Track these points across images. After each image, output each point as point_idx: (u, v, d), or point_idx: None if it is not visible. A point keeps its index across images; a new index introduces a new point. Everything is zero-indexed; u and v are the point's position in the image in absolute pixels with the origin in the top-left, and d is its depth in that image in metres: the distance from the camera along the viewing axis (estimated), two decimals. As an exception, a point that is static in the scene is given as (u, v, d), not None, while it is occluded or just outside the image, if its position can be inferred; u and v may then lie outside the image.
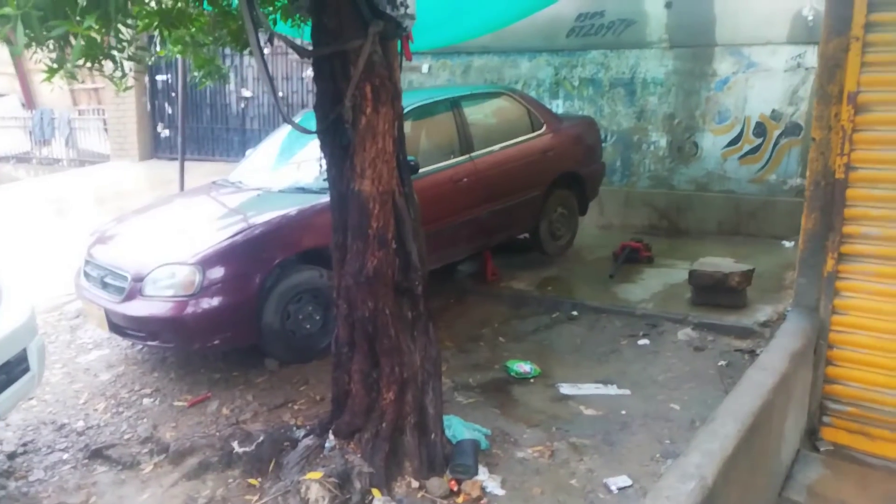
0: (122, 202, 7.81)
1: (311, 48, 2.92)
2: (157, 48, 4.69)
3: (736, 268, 5.09)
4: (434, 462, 3.08)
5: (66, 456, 3.64)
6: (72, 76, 4.06)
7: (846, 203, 3.23)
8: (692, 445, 2.23)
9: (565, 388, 4.10)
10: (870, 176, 3.17)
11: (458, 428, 3.38)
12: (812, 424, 3.45)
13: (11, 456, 3.67)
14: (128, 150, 11.62)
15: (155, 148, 11.67)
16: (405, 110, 4.99)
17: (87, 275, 4.52)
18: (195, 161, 10.26)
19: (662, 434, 3.57)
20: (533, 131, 5.93)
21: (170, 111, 11.24)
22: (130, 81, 4.20)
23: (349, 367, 3.06)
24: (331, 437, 3.08)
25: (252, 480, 3.16)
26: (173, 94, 10.98)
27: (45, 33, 2.25)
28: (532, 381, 4.23)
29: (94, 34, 3.90)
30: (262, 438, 3.33)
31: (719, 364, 4.35)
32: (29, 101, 13.14)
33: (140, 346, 4.73)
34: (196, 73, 4.78)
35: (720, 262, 5.24)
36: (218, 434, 3.64)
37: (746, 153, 7.12)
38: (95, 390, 4.35)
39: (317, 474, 2.84)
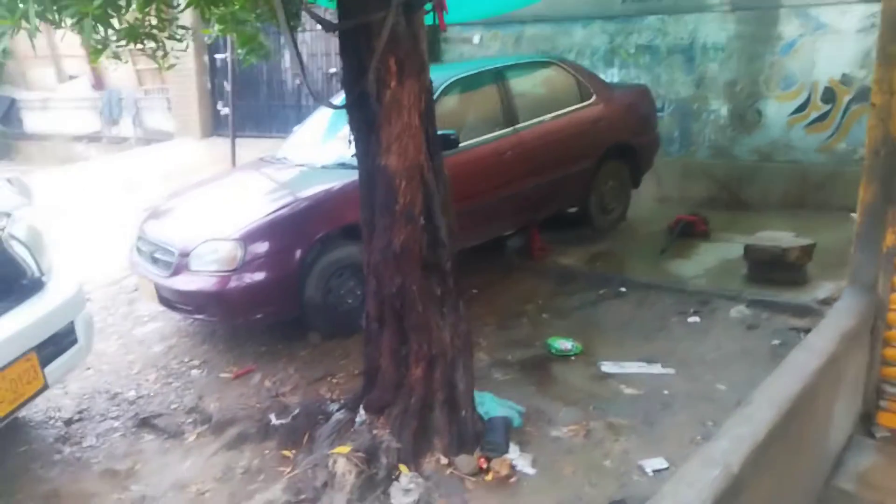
0: (181, 179, 8.03)
1: (335, 21, 2.88)
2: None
3: (795, 242, 4.84)
4: (464, 439, 3.06)
5: (116, 424, 3.80)
6: (116, 56, 4.18)
7: (908, 173, 2.99)
8: (722, 430, 2.12)
9: (607, 367, 4.00)
10: (935, 143, 2.92)
11: (491, 405, 3.35)
12: (868, 409, 3.26)
13: (68, 422, 3.85)
14: (190, 128, 11.93)
15: (215, 125, 11.93)
16: (446, 83, 5.00)
17: (139, 250, 4.67)
18: (252, 138, 10.46)
19: (705, 415, 3.44)
20: (582, 101, 5.76)
21: (229, 89, 11.45)
22: (172, 60, 4.28)
23: (379, 343, 3.06)
24: (362, 411, 3.10)
25: (286, 452, 3.23)
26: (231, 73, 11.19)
27: (56, 12, 2.27)
28: (573, 358, 4.15)
29: (138, 16, 4.01)
30: (297, 411, 3.39)
31: (773, 343, 4.15)
32: (98, 83, 13.60)
33: (190, 320, 4.87)
34: (240, 51, 4.83)
35: (779, 237, 4.99)
36: (258, 406, 3.73)
37: (814, 121, 6.72)
38: (148, 361, 4.52)
39: (345, 448, 2.86)
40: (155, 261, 4.45)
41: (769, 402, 2.26)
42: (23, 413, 3.87)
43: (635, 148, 6.11)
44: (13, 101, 14.99)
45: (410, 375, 2.99)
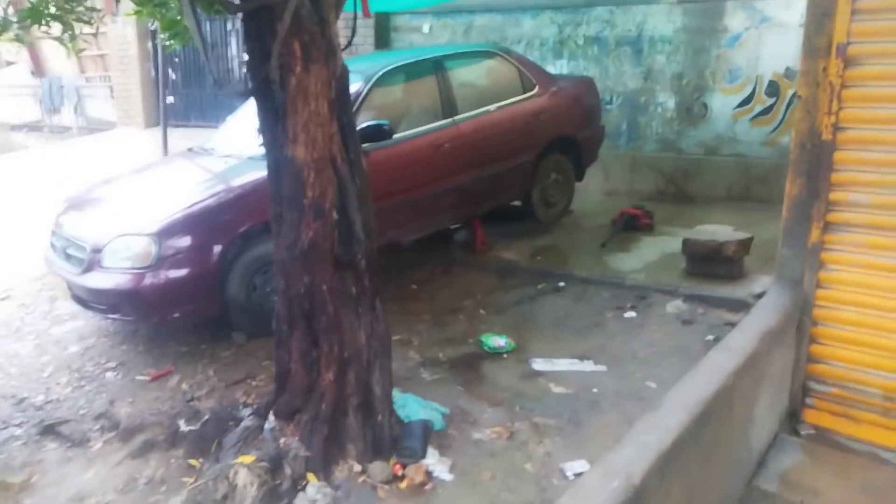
0: (115, 170, 7.72)
1: (237, 3, 2.70)
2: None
3: (733, 236, 4.80)
4: (380, 445, 2.93)
5: (18, 432, 3.57)
6: (20, 40, 3.93)
7: (833, 167, 2.94)
8: (626, 437, 2.02)
9: (538, 364, 3.90)
10: (860, 137, 2.88)
11: (414, 407, 3.22)
12: (794, 406, 3.22)
13: (-34, 431, 3.61)
14: (133, 118, 11.54)
15: (160, 115, 11.55)
16: (381, 71, 4.83)
17: (52, 245, 4.42)
18: (197, 128, 10.14)
19: (633, 414, 3.34)
20: (524, 93, 5.64)
21: (174, 77, 11.09)
22: (82, 44, 4.04)
23: (289, 346, 2.90)
24: (271, 418, 2.93)
25: (193, 461, 3.05)
26: (177, 60, 10.83)
27: None
28: (505, 356, 4.04)
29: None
30: (207, 417, 3.22)
31: (706, 339, 4.10)
32: (38, 69, 13.09)
33: (111, 319, 4.63)
34: (162, 36, 4.60)
35: (717, 230, 4.94)
36: (170, 411, 3.53)
37: (758, 114, 6.72)
38: (62, 363, 4.28)
39: (248, 458, 2.70)
40: (68, 257, 4.21)
41: (680, 405, 2.17)
42: (-84, 421, 3.63)
43: (579, 141, 6.02)
44: (-53, 88, 14.32)
45: (321, 380, 2.84)
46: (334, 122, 2.80)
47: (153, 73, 11.28)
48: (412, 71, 5.15)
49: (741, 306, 4.38)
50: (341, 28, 8.90)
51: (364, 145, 4.42)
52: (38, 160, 10.64)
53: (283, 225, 2.78)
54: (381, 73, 4.82)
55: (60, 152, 10.87)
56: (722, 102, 6.90)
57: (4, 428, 3.63)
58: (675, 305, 4.57)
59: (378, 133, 4.44)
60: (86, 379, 4.07)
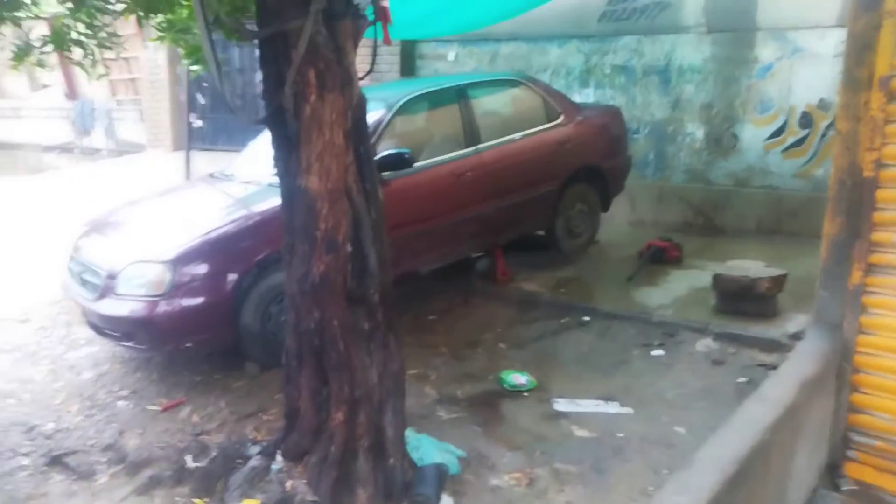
0: (138, 194, 7.74)
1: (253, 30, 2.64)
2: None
3: (766, 272, 4.61)
4: (392, 490, 2.79)
5: (26, 462, 3.49)
6: (40, 63, 3.93)
7: (876, 206, 2.77)
8: (655, 501, 1.86)
9: (560, 405, 3.73)
10: (905, 174, 2.70)
11: (428, 449, 3.07)
12: (833, 459, 3.01)
13: (-26, 459, 3.54)
14: (162, 141, 11.67)
15: (191, 138, 11.66)
16: (403, 100, 4.76)
17: (70, 270, 4.38)
18: (224, 152, 10.19)
19: (660, 462, 3.18)
20: (548, 122, 5.53)
21: (203, 101, 11.20)
22: (102, 69, 4.03)
23: (298, 383, 2.79)
24: (279, 458, 2.81)
25: (198, 501, 2.93)
26: (205, 85, 10.94)
27: None
28: (526, 394, 3.88)
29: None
30: (215, 454, 3.11)
31: (738, 381, 3.91)
32: (72, 92, 13.34)
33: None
34: (185, 62, 4.59)
35: (749, 266, 4.76)
36: (178, 445, 3.43)
37: (790, 146, 6.53)
38: (74, 390, 4.22)
39: (253, 502, 2.58)
40: (84, 282, 4.17)
41: (712, 464, 2.01)
42: (-75, 447, 3.58)
43: (604, 170, 5.89)
44: (-16, 110, 14.68)
45: (331, 420, 2.72)
46: (350, 153, 2.71)
47: (182, 97, 11.42)
48: (435, 99, 5.08)
49: (775, 346, 4.19)
50: (364, 55, 8.88)
51: (384, 174, 4.38)
52: (67, 181, 10.77)
53: (295, 257, 2.69)
54: (403, 101, 4.75)
55: (89, 174, 11.00)
56: (753, 133, 6.73)
57: (12, 457, 3.55)
58: (704, 344, 4.39)
59: (399, 161, 4.36)
60: (97, 407, 4.00)
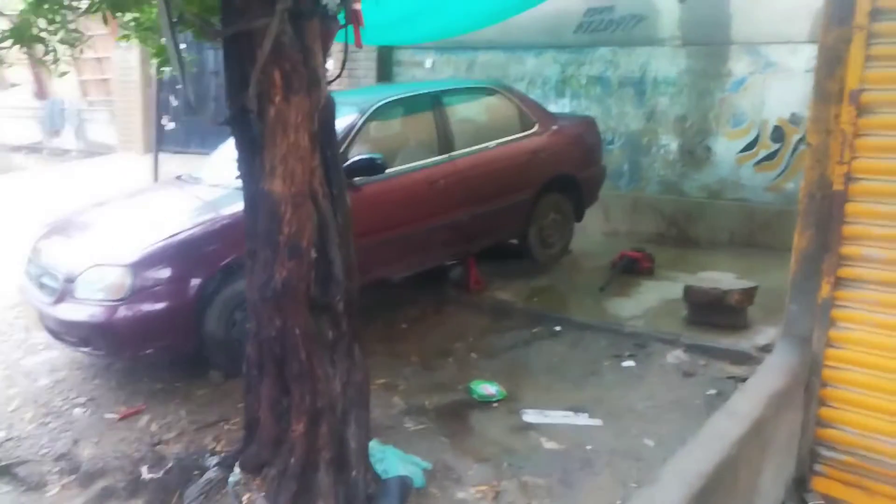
0: (104, 195, 7.58)
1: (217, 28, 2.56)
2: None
3: (737, 284, 4.62)
4: (354, 503, 2.70)
5: (-27, 472, 3.35)
6: (-1, 60, 3.80)
7: (845, 219, 2.76)
8: (618, 516, 1.81)
9: (530, 416, 3.68)
10: (874, 188, 2.70)
11: (393, 462, 2.99)
12: (801, 473, 2.99)
13: (-82, 469, 3.38)
14: (133, 142, 11.46)
15: (161, 141, 11.47)
16: (376, 105, 4.70)
17: (28, 273, 4.24)
18: (196, 154, 10.02)
19: (629, 475, 3.13)
20: (523, 130, 5.51)
21: (175, 103, 11.03)
22: (64, 67, 3.91)
23: (258, 393, 2.70)
24: (237, 470, 2.72)
25: (151, 514, 2.82)
26: (178, 87, 10.77)
27: None
28: (495, 405, 3.82)
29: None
30: (171, 465, 3.00)
31: (708, 393, 3.89)
32: (41, 92, 13.06)
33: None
34: (153, 62, 4.49)
35: (720, 278, 4.77)
36: (135, 455, 3.31)
37: (762, 159, 6.58)
38: (29, 397, 4.07)
39: (208, 515, 2.48)
40: (41, 285, 4.03)
41: (679, 479, 1.97)
42: None
43: (578, 180, 5.88)
44: (-50, 108, 14.30)
45: (292, 431, 2.63)
46: (316, 156, 2.64)
47: (153, 98, 11.24)
48: (409, 105, 5.03)
49: (745, 359, 4.19)
50: (342, 61, 8.74)
51: (356, 179, 4.32)
52: (34, 182, 10.53)
53: (257, 263, 2.61)
54: (376, 106, 4.70)
55: (57, 175, 10.76)
56: (726, 146, 6.77)
57: (-41, 467, 3.41)
58: (675, 356, 4.37)
59: (370, 167, 4.30)
60: (52, 415, 3.86)
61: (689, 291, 4.70)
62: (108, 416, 3.81)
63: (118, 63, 11.26)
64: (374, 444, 3.09)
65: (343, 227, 2.76)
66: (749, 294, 4.56)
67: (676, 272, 5.77)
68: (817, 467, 2.97)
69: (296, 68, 2.46)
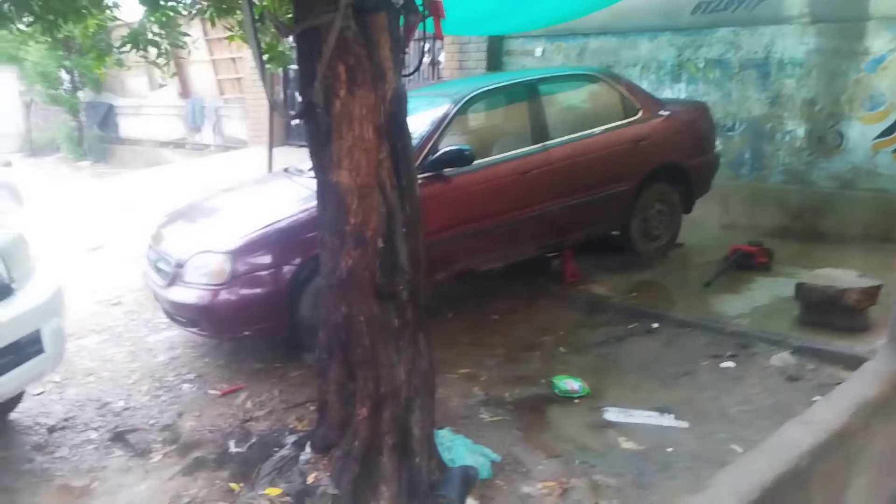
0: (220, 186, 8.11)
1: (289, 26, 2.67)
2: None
3: (857, 282, 4.22)
4: (417, 489, 2.75)
5: (94, 436, 3.72)
6: (120, 63, 4.18)
7: (962, 212, 2.45)
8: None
9: (611, 414, 3.57)
10: None
11: (460, 451, 3.01)
12: (907, 493, 2.69)
13: (51, 430, 3.81)
14: (262, 137, 12.13)
15: (287, 135, 12.13)
16: (468, 96, 4.71)
17: (148, 258, 4.64)
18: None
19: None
20: (626, 118, 5.31)
21: (300, 99, 11.58)
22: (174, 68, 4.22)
23: (327, 376, 2.80)
24: (308, 449, 2.84)
25: (234, 485, 3.01)
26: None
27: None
28: (577, 401, 3.74)
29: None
30: (254, 440, 3.18)
31: (813, 400, 3.58)
32: (185, 91, 14.18)
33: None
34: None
35: (839, 275, 4.37)
36: (226, 429, 3.55)
37: (903, 145, 5.97)
38: (147, 371, 4.46)
39: (275, 490, 2.62)
40: (158, 270, 4.39)
41: (731, 489, 1.84)
42: (13, 416, 3.90)
43: (687, 169, 5.58)
44: (111, 108, 15.89)
45: (356, 415, 2.71)
46: (384, 148, 2.69)
47: (281, 95, 11.88)
48: (503, 94, 5.00)
49: (858, 363, 3.78)
50: (454, 52, 8.83)
51: (445, 170, 4.36)
52: (176, 174, 11.47)
53: (325, 251, 2.71)
54: (469, 96, 4.70)
55: (195, 168, 11.65)
56: (860, 132, 6.19)
57: (84, 430, 3.80)
58: (781, 358, 4.07)
59: (458, 158, 4.32)
60: (164, 388, 4.21)
61: (801, 289, 4.36)
62: (211, 392, 4.10)
63: (249, 62, 11.97)
64: (444, 433, 3.13)
65: (411, 217, 2.80)
66: (870, 293, 4.16)
67: (797, 269, 5.34)
68: (926, 488, 2.67)
69: (360, 62, 2.52)
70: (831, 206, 6.43)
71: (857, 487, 2.36)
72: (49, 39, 3.73)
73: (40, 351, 3.25)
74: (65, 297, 3.62)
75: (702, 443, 3.26)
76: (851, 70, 6.18)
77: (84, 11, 3.61)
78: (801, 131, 6.56)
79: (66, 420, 3.91)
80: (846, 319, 4.19)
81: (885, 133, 6.04)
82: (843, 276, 4.34)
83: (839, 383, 3.69)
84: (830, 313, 4.23)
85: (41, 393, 4.18)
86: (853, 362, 3.85)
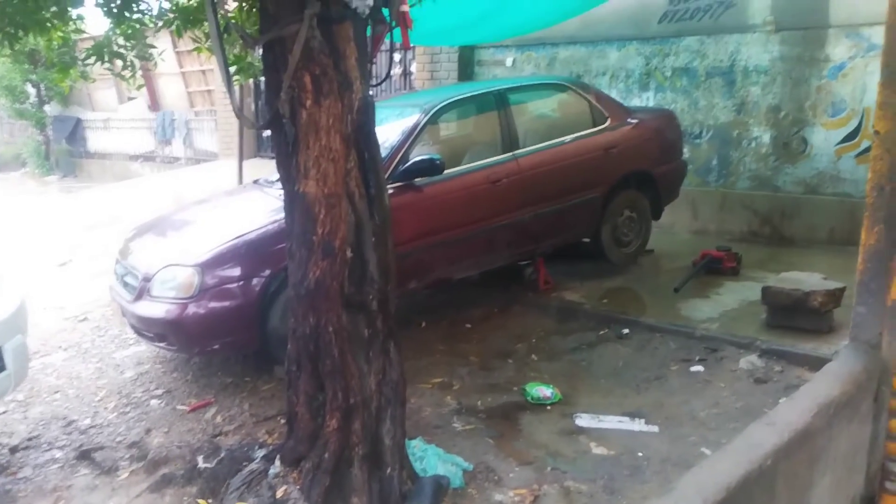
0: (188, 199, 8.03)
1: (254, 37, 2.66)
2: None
3: (822, 285, 4.30)
4: (388, 500, 2.73)
5: (58, 455, 3.65)
6: (84, 76, 4.12)
7: (917, 214, 2.51)
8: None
9: (582, 420, 3.58)
10: (949, 179, 2.44)
11: (432, 461, 3.00)
12: (870, 492, 2.74)
13: (14, 450, 3.73)
14: (234, 150, 12.05)
15: (258, 147, 12.06)
16: (438, 106, 4.72)
17: (115, 272, 4.56)
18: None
19: (680, 485, 2.98)
20: (594, 126, 5.36)
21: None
22: (140, 80, 4.19)
23: (297, 388, 2.77)
24: (277, 462, 2.81)
25: (202, 501, 2.97)
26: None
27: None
28: (549, 408, 3.75)
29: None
30: (223, 455, 3.14)
31: (781, 401, 3.62)
32: (154, 104, 14.04)
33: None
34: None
35: (804, 279, 4.44)
36: (194, 445, 3.50)
37: (865, 150, 6.08)
38: (114, 387, 4.38)
39: (245, 505, 2.58)
40: (125, 284, 4.33)
41: (696, 491, 1.85)
42: (-25, 437, 3.80)
43: (656, 177, 5.65)
44: (78, 121, 15.68)
45: (326, 426, 2.69)
46: (352, 158, 2.69)
47: (252, 107, 11.82)
48: (472, 104, 5.02)
49: (824, 365, 3.88)
50: (426, 62, 8.83)
51: (416, 180, 4.36)
52: (145, 188, 11.32)
53: (294, 262, 2.69)
54: (439, 106, 4.72)
55: (165, 181, 11.52)
56: (824, 137, 6.33)
57: (48, 449, 3.72)
58: (749, 361, 4.12)
59: (429, 167, 4.33)
60: (132, 405, 4.14)
61: (767, 293, 4.42)
62: (180, 407, 4.04)
63: (219, 74, 11.91)
64: (416, 443, 3.12)
65: (380, 227, 2.79)
66: (835, 296, 4.24)
67: (764, 272, 5.44)
68: (889, 485, 2.72)
69: (326, 72, 2.52)
70: (797, 210, 6.55)
71: (822, 487, 2.40)
72: (11, 52, 3.67)
73: (2, 368, 3.18)
74: (28, 313, 3.55)
75: (672, 446, 3.29)
76: (814, 77, 6.32)
77: (48, 24, 3.56)
78: (766, 138, 6.69)
79: (29, 439, 3.83)
80: (812, 322, 4.26)
81: (848, 138, 6.18)
82: (808, 280, 4.42)
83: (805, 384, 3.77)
84: (796, 316, 4.30)
85: (3, 412, 4.09)
86: (819, 363, 3.90)
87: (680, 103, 7.16)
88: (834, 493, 2.52)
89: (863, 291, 2.70)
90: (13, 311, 3.32)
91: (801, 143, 6.49)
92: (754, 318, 4.57)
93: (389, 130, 4.51)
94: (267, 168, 10.03)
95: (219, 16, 2.81)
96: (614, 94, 6.92)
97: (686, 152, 6.52)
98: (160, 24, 4.03)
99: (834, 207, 6.32)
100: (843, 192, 6.26)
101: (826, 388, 2.45)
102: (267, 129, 2.73)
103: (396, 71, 9.35)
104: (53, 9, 3.42)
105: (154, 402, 4.14)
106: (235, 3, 3.92)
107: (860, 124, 6.10)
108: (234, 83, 4.81)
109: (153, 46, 4.11)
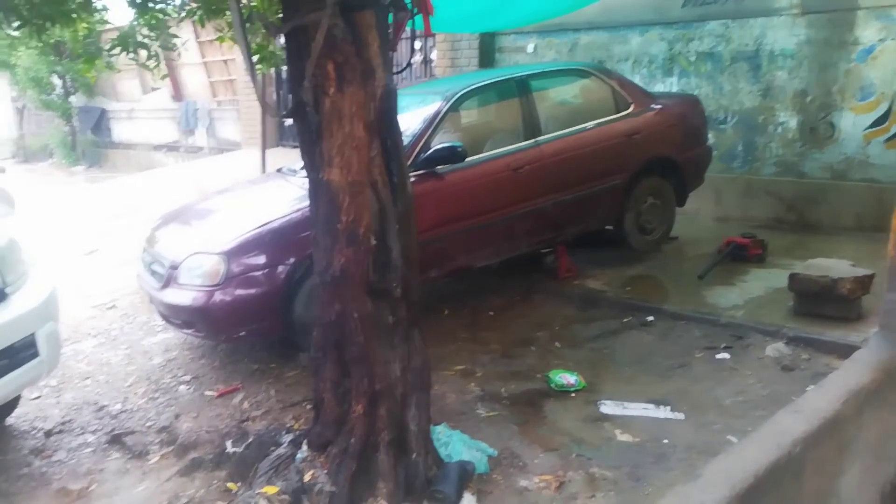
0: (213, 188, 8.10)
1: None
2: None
3: (850, 272, 4.24)
4: (413, 485, 2.76)
5: (91, 439, 3.73)
6: (110, 66, 4.17)
7: (950, 198, 2.46)
8: (648, 512, 1.74)
9: (607, 407, 3.58)
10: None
11: (457, 446, 3.02)
12: (900, 480, 2.71)
13: (48, 433, 3.81)
14: (256, 139, 12.13)
15: (280, 136, 12.12)
16: (459, 93, 4.71)
17: (143, 261, 4.63)
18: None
19: (705, 473, 2.97)
20: (617, 112, 5.32)
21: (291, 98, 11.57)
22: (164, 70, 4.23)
23: (323, 375, 2.80)
24: (304, 447, 2.85)
25: (231, 485, 3.02)
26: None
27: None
28: (573, 395, 3.75)
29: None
30: (251, 440, 3.18)
31: (808, 389, 3.59)
32: (177, 94, 14.15)
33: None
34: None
35: (832, 265, 4.39)
36: (223, 430, 3.55)
37: (894, 135, 5.98)
38: (144, 374, 4.46)
39: (273, 489, 2.63)
40: (153, 272, 4.39)
41: (723, 478, 1.85)
42: (10, 421, 3.90)
43: (680, 163, 5.60)
44: (103, 112, 15.86)
45: (351, 412, 2.72)
46: (375, 145, 2.70)
47: (275, 96, 11.87)
48: (494, 91, 5.00)
49: (852, 352, 3.83)
50: (446, 50, 8.80)
51: (438, 167, 4.36)
52: (169, 178, 11.45)
53: (318, 249, 2.71)
54: (461, 93, 4.71)
55: (188, 171, 11.64)
56: (852, 122, 6.21)
57: (81, 433, 3.80)
58: (775, 348, 4.08)
59: (451, 155, 4.33)
60: (161, 391, 4.21)
61: (794, 280, 4.37)
62: (208, 393, 4.10)
63: (241, 63, 11.96)
64: (441, 429, 3.14)
65: (403, 214, 2.80)
66: (863, 283, 4.18)
67: (791, 260, 5.36)
68: (920, 474, 2.68)
69: (348, 60, 2.53)
70: (824, 196, 6.45)
71: (851, 475, 2.38)
72: (39, 44, 3.72)
73: (35, 355, 3.25)
74: (59, 301, 3.62)
75: (697, 434, 3.28)
76: (842, 61, 6.19)
77: (73, 15, 3.61)
78: (793, 123, 6.58)
79: (63, 424, 3.91)
80: (840, 309, 4.20)
81: (877, 123, 6.06)
82: (836, 266, 4.36)
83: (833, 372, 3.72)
84: (824, 303, 4.25)
85: (38, 397, 4.18)
86: (847, 351, 3.82)
87: (704, 88, 7.06)
88: (863, 480, 2.50)
89: (894, 278, 2.66)
90: (45, 298, 3.38)
91: (828, 128, 6.37)
92: (781, 305, 4.52)
93: (411, 118, 4.51)
94: (289, 157, 10.09)
95: (241, 5, 2.81)
96: (637, 80, 6.85)
97: (711, 138, 6.44)
98: (183, 13, 4.06)
99: (862, 193, 6.21)
100: (872, 178, 6.15)
101: (855, 375, 2.42)
102: (290, 117, 2.75)
103: (417, 59, 9.32)
104: (79, 0, 3.46)
105: (182, 387, 4.21)
106: (258, -8, 3.94)
107: (890, 109, 5.98)
108: (258, 72, 4.85)
109: (176, 36, 4.14)
